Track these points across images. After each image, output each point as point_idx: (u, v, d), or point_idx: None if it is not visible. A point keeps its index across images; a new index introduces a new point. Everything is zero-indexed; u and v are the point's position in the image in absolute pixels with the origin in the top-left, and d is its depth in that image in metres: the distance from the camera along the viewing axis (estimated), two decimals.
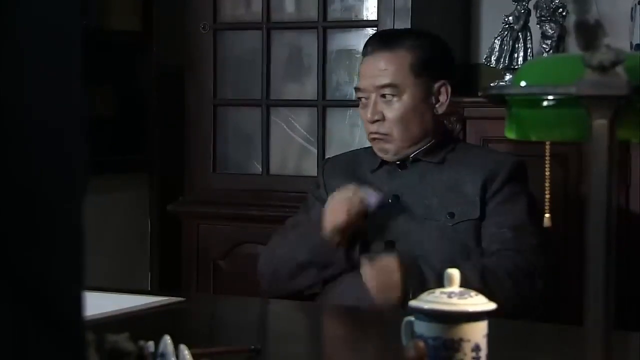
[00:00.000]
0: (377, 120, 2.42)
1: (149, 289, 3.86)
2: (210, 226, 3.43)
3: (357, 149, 2.72)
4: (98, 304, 1.85)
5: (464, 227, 2.34)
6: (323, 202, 2.42)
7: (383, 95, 2.42)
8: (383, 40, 2.48)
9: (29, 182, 0.69)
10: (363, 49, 2.53)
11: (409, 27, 3.24)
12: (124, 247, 3.86)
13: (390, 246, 2.33)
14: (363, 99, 2.46)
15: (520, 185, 2.40)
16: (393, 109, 2.42)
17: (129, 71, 3.93)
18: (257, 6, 3.54)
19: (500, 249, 2.28)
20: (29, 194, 0.69)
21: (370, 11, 3.42)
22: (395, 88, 2.41)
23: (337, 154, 2.78)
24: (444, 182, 2.40)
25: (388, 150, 2.45)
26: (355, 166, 2.54)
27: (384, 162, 2.48)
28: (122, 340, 1.38)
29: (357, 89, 2.50)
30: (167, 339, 1.43)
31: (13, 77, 0.68)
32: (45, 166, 0.70)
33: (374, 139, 2.45)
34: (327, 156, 3.13)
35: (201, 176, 3.57)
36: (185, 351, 1.44)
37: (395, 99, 2.42)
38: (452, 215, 2.35)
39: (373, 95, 2.43)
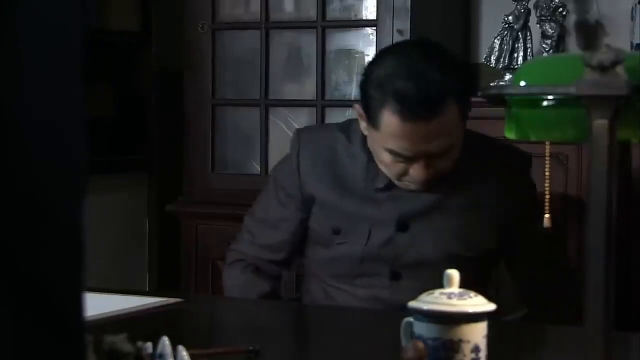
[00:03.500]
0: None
1: (147, 289, 3.85)
2: (209, 226, 3.43)
3: (329, 130, 2.31)
4: (96, 304, 1.84)
5: (479, 258, 2.17)
6: (295, 200, 2.24)
7: (432, 156, 2.08)
8: (429, 102, 2.03)
9: (29, 182, 0.69)
10: (385, 98, 2.05)
11: (408, 26, 3.24)
12: (123, 247, 3.85)
13: (395, 278, 2.17)
14: (397, 157, 2.10)
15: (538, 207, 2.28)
16: (445, 164, 2.11)
17: (127, 71, 3.92)
18: (255, 6, 3.53)
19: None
20: (28, 194, 0.68)
21: (369, 10, 3.41)
22: (451, 147, 2.10)
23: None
24: (459, 207, 2.16)
25: (423, 190, 2.15)
26: (340, 167, 2.22)
27: (390, 182, 2.17)
28: (120, 341, 1.38)
29: (391, 151, 2.08)
30: (166, 340, 1.43)
31: (12, 77, 0.68)
32: (45, 166, 0.69)
33: (410, 186, 2.14)
34: None
35: (200, 176, 3.56)
36: (183, 352, 1.44)
37: (448, 153, 2.10)
38: (467, 246, 2.16)
39: (421, 158, 2.08)
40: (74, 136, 0.72)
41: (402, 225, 2.16)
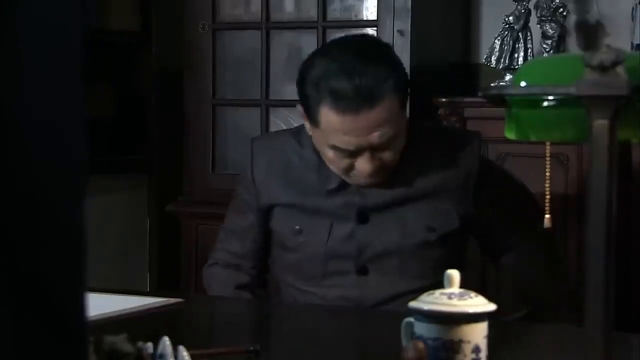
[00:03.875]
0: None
1: (148, 289, 3.85)
2: (209, 226, 3.42)
3: (281, 137, 2.34)
4: (96, 304, 1.84)
5: (446, 240, 2.19)
6: (253, 212, 2.27)
7: (375, 148, 2.11)
8: (364, 94, 2.07)
9: (29, 181, 0.69)
10: (320, 95, 2.09)
11: (409, 27, 3.24)
12: (123, 248, 3.85)
13: (363, 273, 2.18)
14: (340, 152, 2.12)
15: (493, 176, 2.29)
16: (390, 155, 2.14)
17: (128, 71, 3.92)
18: (256, 6, 3.53)
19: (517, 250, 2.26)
20: (29, 194, 0.68)
21: (370, 11, 3.41)
22: (393, 137, 2.12)
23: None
24: (416, 193, 2.19)
25: (373, 184, 2.18)
26: (294, 171, 2.24)
27: (343, 181, 2.19)
28: (121, 341, 1.38)
29: (334, 147, 2.11)
30: (166, 340, 1.43)
31: (12, 77, 0.68)
32: (45, 166, 0.69)
33: (359, 180, 2.16)
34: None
35: (200, 176, 3.56)
36: (184, 352, 1.44)
37: (392, 144, 2.13)
38: (431, 229, 2.18)
39: (365, 151, 2.10)
40: (74, 136, 0.72)
41: (363, 218, 2.18)
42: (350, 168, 2.13)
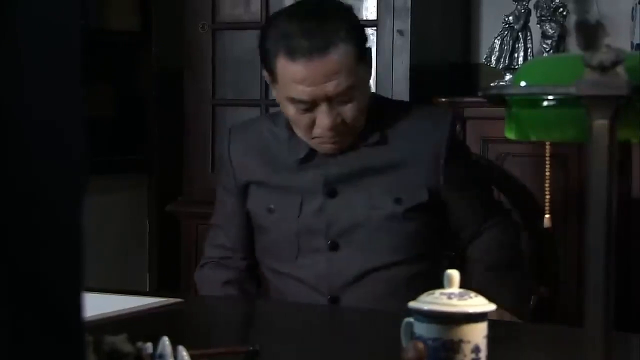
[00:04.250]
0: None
1: (148, 289, 3.85)
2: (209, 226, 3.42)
3: (257, 121, 2.43)
4: (96, 304, 1.84)
5: (414, 213, 2.18)
6: (232, 194, 2.29)
7: (333, 99, 2.11)
8: (315, 39, 2.09)
9: (29, 181, 0.69)
10: (276, 45, 2.12)
11: (409, 26, 3.24)
12: (123, 248, 3.85)
13: (334, 249, 2.18)
14: (299, 105, 2.13)
15: (463, 155, 2.31)
16: (350, 109, 2.13)
17: (127, 71, 3.93)
18: (256, 6, 3.53)
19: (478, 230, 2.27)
20: (28, 194, 0.68)
21: (369, 11, 3.41)
22: (351, 89, 2.12)
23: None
24: (385, 165, 2.19)
25: (339, 149, 2.19)
26: (267, 148, 2.27)
27: (311, 150, 2.21)
28: (121, 342, 1.38)
29: (292, 100, 2.12)
30: (166, 340, 1.43)
31: (11, 77, 0.68)
32: (45, 166, 0.69)
33: (324, 142, 2.17)
34: None
35: (200, 176, 3.56)
36: (183, 352, 1.44)
37: (350, 98, 2.13)
38: (398, 200, 2.18)
39: (323, 103, 2.11)
40: (73, 136, 0.72)
41: (331, 192, 2.19)
42: (311, 124, 2.14)
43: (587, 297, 1.12)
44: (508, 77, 3.25)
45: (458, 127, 3.07)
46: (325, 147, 2.18)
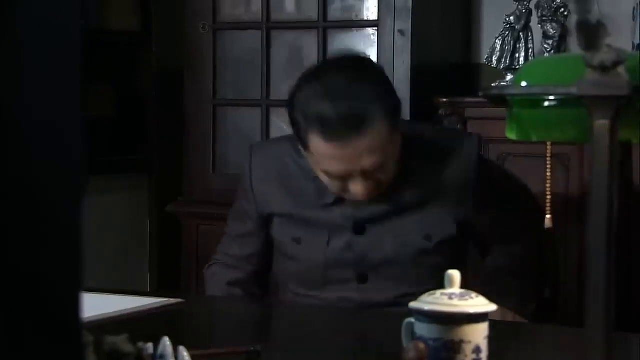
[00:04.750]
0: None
1: (148, 290, 3.85)
2: (210, 227, 3.42)
3: (279, 144, 2.32)
4: (97, 305, 1.84)
5: (444, 246, 2.17)
6: (253, 220, 2.27)
7: (367, 173, 2.07)
8: (350, 121, 2.01)
9: (27, 181, 0.68)
10: (309, 121, 2.04)
11: (409, 27, 3.24)
12: (123, 248, 3.85)
13: (362, 281, 2.17)
14: (333, 176, 2.09)
15: (492, 177, 2.28)
16: (384, 175, 2.09)
17: (128, 71, 3.92)
18: (256, 6, 3.53)
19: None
20: (26, 194, 0.68)
21: (370, 11, 3.41)
22: (386, 161, 2.08)
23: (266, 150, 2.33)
24: (414, 202, 2.16)
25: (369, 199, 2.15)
26: (291, 180, 2.22)
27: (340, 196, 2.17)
28: (121, 342, 1.38)
29: (326, 172, 2.08)
30: (166, 341, 1.43)
31: (11, 76, 0.68)
32: (45, 166, 0.69)
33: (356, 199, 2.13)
34: None
35: (200, 177, 3.56)
36: (184, 352, 1.44)
37: (384, 166, 2.08)
38: (428, 237, 2.17)
39: (357, 175, 2.07)
40: (73, 136, 0.72)
41: (359, 229, 2.17)
42: (344, 190, 2.12)
43: (587, 297, 1.11)
44: (509, 77, 3.25)
45: (459, 127, 3.06)
46: (357, 202, 2.14)
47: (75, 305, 0.72)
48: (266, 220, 2.26)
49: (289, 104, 2.11)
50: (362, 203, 2.15)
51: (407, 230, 2.16)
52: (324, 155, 2.05)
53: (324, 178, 2.11)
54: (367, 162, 2.04)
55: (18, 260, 0.68)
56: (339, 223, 2.18)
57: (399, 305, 2.13)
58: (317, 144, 2.04)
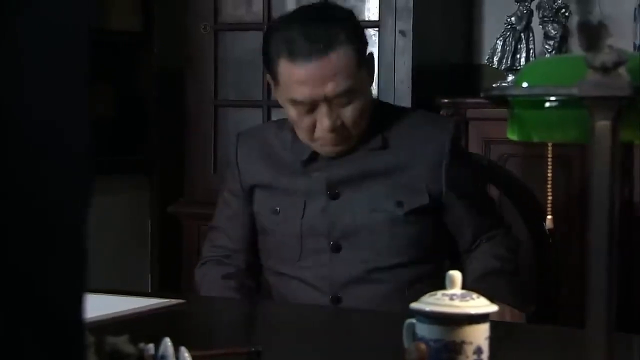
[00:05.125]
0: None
1: (149, 290, 3.85)
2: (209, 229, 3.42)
3: (264, 127, 2.55)
4: (98, 305, 1.84)
5: (416, 216, 2.21)
6: (238, 197, 2.33)
7: (332, 101, 2.15)
8: (315, 41, 2.14)
9: (31, 183, 0.68)
10: (278, 47, 2.18)
11: (411, 27, 3.24)
12: (124, 249, 3.85)
13: (336, 250, 2.21)
14: (300, 107, 2.17)
15: (465, 162, 2.32)
16: (349, 111, 2.16)
17: (129, 71, 3.92)
18: (258, 6, 3.53)
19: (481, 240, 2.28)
20: (30, 196, 0.68)
21: (371, 12, 3.41)
22: (351, 92, 2.15)
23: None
24: (387, 168, 2.22)
25: (340, 152, 2.22)
26: (272, 152, 2.31)
27: (314, 152, 2.24)
28: (122, 343, 1.38)
29: (293, 101, 2.16)
30: (168, 341, 1.43)
31: (11, 76, 0.67)
32: (47, 167, 0.69)
33: (325, 144, 2.20)
34: None
35: (202, 177, 3.56)
36: (185, 353, 1.44)
37: (350, 101, 2.16)
38: (400, 204, 2.20)
39: (323, 105, 2.15)
40: (78, 137, 0.72)
41: (333, 194, 2.22)
42: (312, 127, 2.17)
43: (589, 298, 1.11)
44: (510, 78, 3.25)
45: (460, 131, 3.06)
46: (326, 149, 2.21)
47: (77, 307, 0.72)
48: (249, 196, 2.31)
49: (264, 40, 2.25)
50: (333, 162, 2.22)
51: (379, 196, 2.21)
52: (291, 79, 2.15)
53: (293, 115, 2.19)
54: (331, 86, 2.13)
55: (19, 262, 0.68)
56: (314, 188, 2.23)
57: (373, 282, 2.15)
58: (285, 67, 2.16)
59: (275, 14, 3.50)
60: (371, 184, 2.21)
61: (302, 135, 2.22)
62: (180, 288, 3.53)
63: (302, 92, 2.15)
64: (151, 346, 1.42)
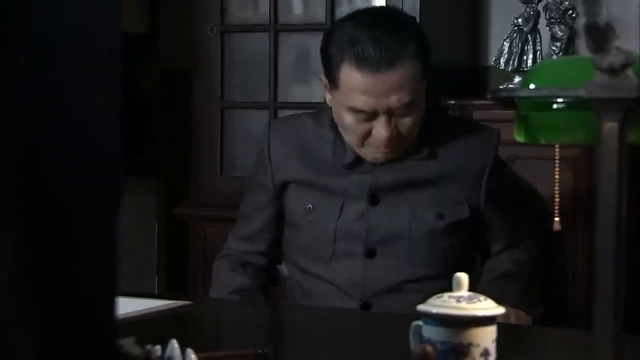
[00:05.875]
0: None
1: (156, 292, 3.85)
2: (217, 229, 3.42)
3: (299, 118, 2.35)
4: None
5: (455, 229, 2.19)
6: (267, 190, 2.29)
7: (393, 112, 2.11)
8: (386, 53, 2.08)
9: (63, 189, 0.68)
10: (342, 52, 2.10)
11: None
12: (131, 250, 3.85)
13: (370, 256, 2.18)
14: (358, 115, 2.12)
15: (504, 174, 2.31)
16: (408, 122, 2.13)
17: (135, 73, 3.93)
18: (264, 8, 3.53)
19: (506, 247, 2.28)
20: (62, 202, 0.68)
21: None
22: (412, 104, 2.12)
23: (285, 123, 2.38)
24: (431, 178, 2.19)
25: (389, 160, 2.18)
26: (309, 147, 2.25)
27: (358, 156, 2.19)
28: (129, 344, 1.38)
29: (352, 109, 2.11)
30: (174, 343, 1.43)
31: (47, 83, 0.67)
32: (78, 169, 0.69)
33: (376, 152, 2.17)
34: None
35: (208, 179, 3.56)
36: (192, 355, 1.44)
37: (410, 112, 2.13)
38: (441, 216, 2.19)
39: (382, 115, 2.11)
40: (109, 139, 0.71)
41: (374, 199, 2.19)
42: (366, 135, 2.13)
43: (596, 300, 1.11)
44: (517, 79, 3.24)
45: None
46: (376, 156, 2.18)
47: (109, 310, 0.71)
48: (280, 191, 2.27)
49: (325, 41, 2.17)
50: (377, 168, 2.17)
51: (421, 205, 2.18)
52: (355, 88, 2.09)
53: (348, 121, 2.13)
54: (395, 99, 2.08)
55: (50, 264, 0.67)
56: (354, 191, 2.19)
57: (405, 292, 2.14)
58: (351, 75, 2.09)
59: (282, 15, 3.50)
60: (413, 193, 2.18)
61: (353, 140, 2.17)
62: (187, 290, 3.53)
63: (365, 102, 2.09)
64: (158, 348, 1.42)
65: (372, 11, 2.24)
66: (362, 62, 2.07)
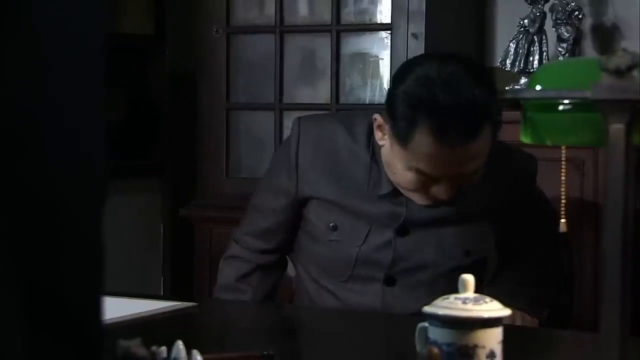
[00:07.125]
0: None
1: (162, 293, 3.85)
2: (223, 230, 3.42)
3: (332, 123, 2.15)
4: (110, 308, 1.84)
5: (479, 265, 2.11)
6: (288, 197, 2.16)
7: (462, 177, 1.97)
8: (469, 127, 1.88)
9: (47, 188, 0.68)
10: (420, 116, 1.88)
11: (423, 30, 3.23)
12: (136, 252, 3.86)
13: (389, 284, 2.10)
14: (424, 176, 1.96)
15: (538, 206, 2.26)
16: (469, 181, 1.99)
17: (141, 75, 3.93)
18: (270, 9, 3.54)
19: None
20: (46, 201, 0.68)
21: (384, 14, 3.41)
22: (481, 165, 1.97)
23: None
24: (462, 213, 2.08)
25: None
26: (339, 163, 2.11)
27: (395, 189, 2.07)
28: (135, 346, 1.38)
29: (418, 170, 1.94)
30: (180, 344, 1.43)
31: (34, 82, 0.67)
32: (63, 172, 0.69)
33: (425, 200, 2.03)
34: None
35: (214, 180, 3.56)
36: (198, 356, 1.44)
37: (476, 171, 1.98)
38: (468, 253, 2.10)
39: (448, 179, 1.96)
40: (94, 143, 0.72)
41: (403, 230, 2.09)
42: (423, 191, 2.00)
43: (603, 302, 1.11)
44: (523, 80, 3.24)
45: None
46: (425, 203, 2.04)
47: (95, 308, 0.71)
48: (302, 202, 2.16)
49: (392, 92, 1.96)
50: (412, 201, 2.05)
51: (449, 241, 2.10)
52: (428, 156, 1.91)
53: (407, 177, 1.97)
54: (471, 166, 1.94)
55: (36, 264, 0.67)
56: (384, 220, 2.09)
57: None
58: (426, 142, 1.90)
59: (287, 17, 3.50)
60: (443, 227, 2.08)
61: (402, 187, 2.03)
62: (193, 291, 3.53)
63: (436, 170, 1.93)
64: (164, 349, 1.42)
65: (437, 58, 1.97)
66: (443, 134, 1.87)
